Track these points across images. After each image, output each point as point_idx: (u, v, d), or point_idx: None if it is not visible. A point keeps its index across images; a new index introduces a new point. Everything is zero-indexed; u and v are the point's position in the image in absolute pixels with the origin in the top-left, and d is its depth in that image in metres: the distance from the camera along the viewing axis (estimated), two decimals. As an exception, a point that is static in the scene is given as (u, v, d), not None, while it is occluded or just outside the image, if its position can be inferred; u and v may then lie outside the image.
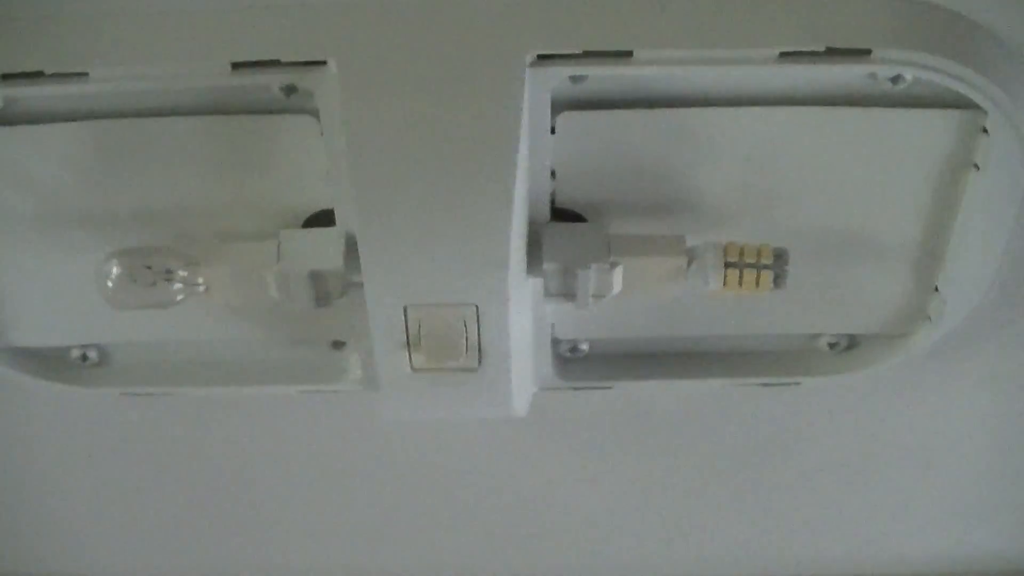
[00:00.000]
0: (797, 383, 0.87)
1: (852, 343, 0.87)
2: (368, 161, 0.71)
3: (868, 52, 0.70)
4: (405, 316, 0.76)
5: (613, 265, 0.76)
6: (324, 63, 0.71)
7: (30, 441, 0.99)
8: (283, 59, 0.71)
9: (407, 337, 0.77)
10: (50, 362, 0.89)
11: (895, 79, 0.73)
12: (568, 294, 0.77)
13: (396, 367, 0.79)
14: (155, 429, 0.97)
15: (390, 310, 0.76)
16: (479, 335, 0.77)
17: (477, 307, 0.76)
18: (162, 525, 1.07)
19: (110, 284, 0.78)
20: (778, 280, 0.76)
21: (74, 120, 0.76)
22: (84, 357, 0.89)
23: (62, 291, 0.84)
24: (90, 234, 0.81)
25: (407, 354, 0.78)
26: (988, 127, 0.73)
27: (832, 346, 0.87)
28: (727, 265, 0.76)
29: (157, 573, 1.12)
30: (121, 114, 0.76)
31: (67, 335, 0.88)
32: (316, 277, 0.77)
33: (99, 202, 0.80)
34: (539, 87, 0.72)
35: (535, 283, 0.78)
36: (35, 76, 0.72)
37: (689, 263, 0.77)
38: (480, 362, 0.79)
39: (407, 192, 0.72)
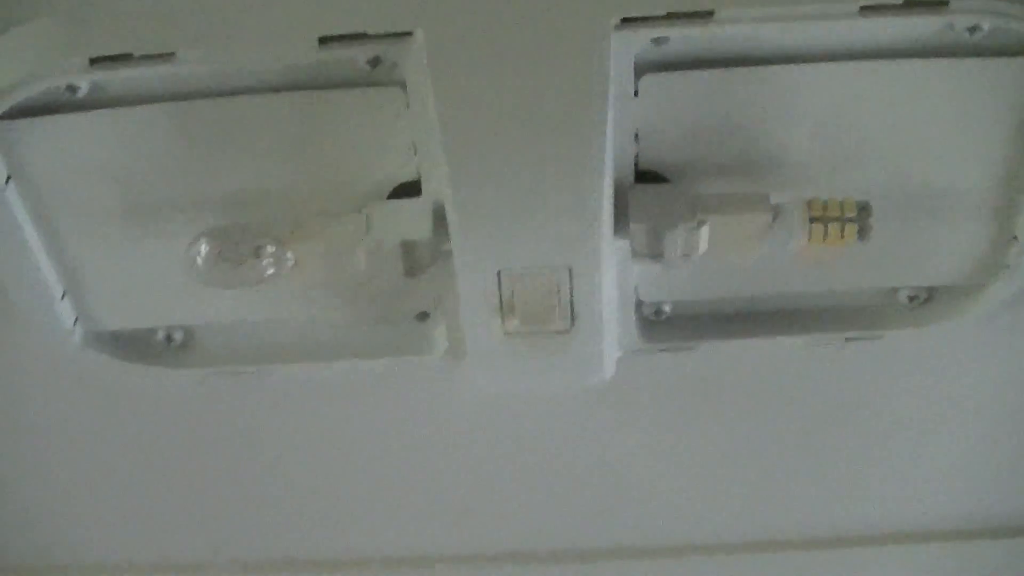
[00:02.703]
0: (879, 337, 0.88)
1: (932, 296, 0.88)
2: (458, 129, 0.72)
3: (946, 3, 0.71)
4: (499, 281, 0.77)
5: (700, 224, 0.77)
6: (411, 34, 0.72)
7: (118, 423, 1.00)
8: (370, 31, 0.72)
9: (500, 302, 0.79)
10: (136, 344, 0.90)
11: (972, 29, 0.74)
12: (655, 254, 0.79)
13: (488, 333, 0.80)
14: (240, 409, 0.98)
15: (483, 276, 0.77)
16: (572, 297, 0.78)
17: (570, 269, 0.77)
18: (249, 504, 1.08)
19: (200, 263, 0.79)
20: (862, 232, 0.77)
21: (159, 102, 0.77)
22: (169, 338, 0.90)
23: (147, 274, 0.85)
24: (176, 216, 0.82)
25: (500, 319, 0.79)
26: None
27: (912, 299, 0.88)
28: (812, 220, 0.77)
29: (251, 551, 1.13)
30: (204, 94, 0.77)
31: (152, 317, 0.89)
32: (406, 248, 0.78)
33: (185, 183, 0.81)
34: (623, 50, 0.73)
35: (622, 245, 0.79)
36: (122, 59, 0.73)
37: (774, 219, 0.77)
38: (573, 324, 0.80)
39: (498, 158, 0.73)
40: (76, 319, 0.87)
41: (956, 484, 1.06)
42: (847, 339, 0.89)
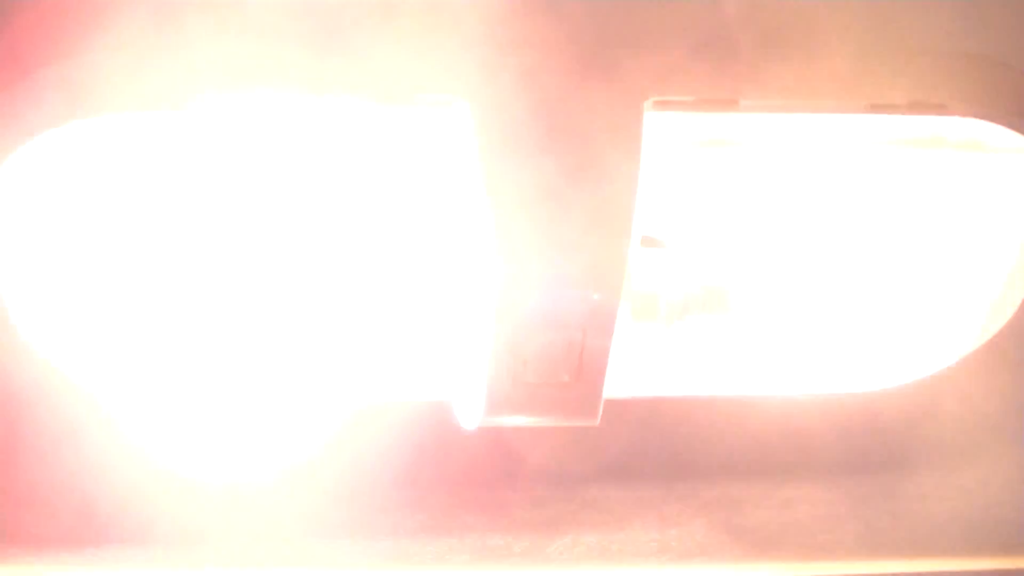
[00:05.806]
0: None
1: None
2: (503, 196, 0.75)
3: (943, 106, 0.78)
4: (522, 341, 0.81)
5: (696, 290, 0.82)
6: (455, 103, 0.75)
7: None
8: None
9: (521, 358, 0.82)
10: None
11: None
12: (651, 316, 0.84)
13: (502, 383, 0.84)
14: None
15: (510, 335, 0.81)
16: (582, 355, 0.83)
17: (585, 331, 0.81)
18: None
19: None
20: None
21: None
22: None
23: None
24: None
25: (515, 372, 0.83)
26: None
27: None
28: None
29: None
30: None
31: None
32: None
33: None
34: (653, 129, 0.77)
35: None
36: None
37: (759, 291, 0.84)
38: (579, 378, 0.84)
39: (539, 225, 0.76)
40: None
41: None
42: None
